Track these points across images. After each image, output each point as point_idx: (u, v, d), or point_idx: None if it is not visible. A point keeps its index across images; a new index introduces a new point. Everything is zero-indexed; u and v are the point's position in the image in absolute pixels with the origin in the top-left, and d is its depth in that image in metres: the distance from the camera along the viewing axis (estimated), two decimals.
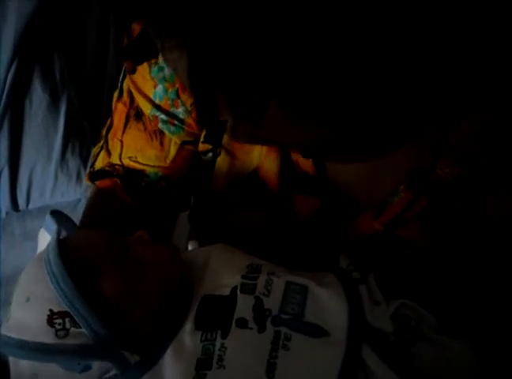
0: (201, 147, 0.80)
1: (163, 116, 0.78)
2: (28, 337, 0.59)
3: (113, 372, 0.61)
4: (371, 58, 0.45)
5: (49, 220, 0.68)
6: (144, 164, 0.82)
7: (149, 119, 0.80)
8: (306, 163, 0.74)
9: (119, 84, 0.84)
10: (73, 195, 1.26)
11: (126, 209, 0.83)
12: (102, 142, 0.87)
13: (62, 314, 0.58)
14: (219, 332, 0.61)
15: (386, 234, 0.74)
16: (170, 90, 0.77)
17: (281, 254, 0.73)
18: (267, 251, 0.73)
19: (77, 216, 0.85)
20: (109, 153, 0.84)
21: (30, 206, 1.27)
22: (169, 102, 0.78)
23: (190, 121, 0.78)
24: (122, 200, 0.83)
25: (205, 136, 0.79)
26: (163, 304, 0.64)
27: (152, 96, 0.78)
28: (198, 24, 0.48)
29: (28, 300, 0.60)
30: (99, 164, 0.86)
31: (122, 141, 0.82)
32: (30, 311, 0.60)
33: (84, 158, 1.25)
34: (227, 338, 0.61)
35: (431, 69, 0.47)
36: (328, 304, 0.63)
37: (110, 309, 0.60)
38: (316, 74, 0.46)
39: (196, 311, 0.64)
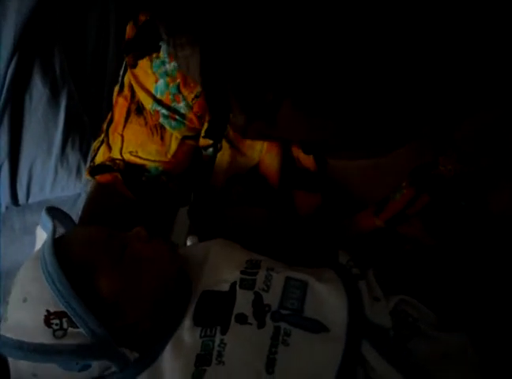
0: (202, 142, 0.80)
1: (164, 111, 0.78)
2: (26, 338, 0.59)
3: (112, 369, 0.61)
4: (378, 59, 0.46)
5: (45, 217, 0.67)
6: (144, 159, 0.81)
7: (150, 114, 0.80)
8: (307, 159, 0.74)
9: (120, 79, 0.84)
10: (73, 189, 1.26)
11: (126, 204, 0.83)
12: (102, 136, 0.87)
13: (59, 314, 0.58)
14: (218, 328, 0.61)
15: (387, 231, 0.74)
16: (171, 84, 0.77)
17: (281, 250, 0.73)
18: (267, 247, 0.73)
19: (76, 211, 0.85)
20: (110, 148, 0.84)
21: (30, 200, 1.27)
22: (170, 96, 0.77)
23: (191, 116, 0.78)
24: (122, 194, 0.83)
25: (205, 131, 0.78)
26: (162, 301, 0.63)
27: (153, 91, 0.78)
28: (212, 22, 0.47)
29: (24, 300, 0.60)
30: (99, 159, 0.86)
31: (122, 136, 0.82)
32: (27, 312, 0.60)
33: (84, 152, 1.25)
34: (226, 334, 0.60)
35: (435, 70, 0.48)
36: (327, 299, 0.63)
37: (107, 308, 0.60)
38: (326, 74, 0.46)
39: (195, 307, 0.64)
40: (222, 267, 0.68)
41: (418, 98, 0.50)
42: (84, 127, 1.27)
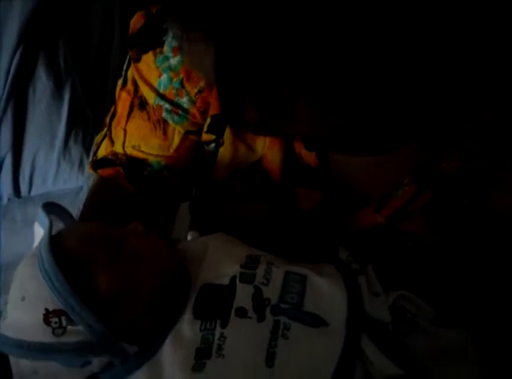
0: (205, 137, 0.80)
1: (167, 105, 0.79)
2: (25, 337, 0.59)
3: (113, 363, 0.61)
4: (387, 60, 0.47)
5: (41, 214, 0.67)
6: (147, 153, 0.82)
7: (153, 108, 0.80)
8: (309, 156, 0.75)
9: (123, 73, 0.84)
10: (76, 182, 1.26)
11: (127, 198, 0.84)
12: (105, 130, 0.87)
13: (58, 312, 0.58)
14: (218, 322, 0.61)
15: (388, 228, 0.74)
16: (174, 79, 0.77)
17: (281, 246, 0.74)
18: (267, 242, 0.73)
19: (78, 204, 0.86)
20: (112, 142, 0.85)
21: (32, 193, 1.27)
22: (173, 91, 0.78)
23: (194, 111, 0.78)
24: (124, 189, 0.83)
25: (208, 126, 0.79)
26: (161, 297, 0.64)
27: (156, 85, 0.78)
28: (228, 17, 0.47)
29: (23, 299, 0.60)
30: (101, 152, 0.86)
31: (125, 130, 0.82)
32: (26, 310, 0.60)
33: (87, 146, 1.26)
34: (226, 327, 0.61)
35: (440, 69, 0.48)
36: (327, 294, 0.64)
37: (105, 304, 0.60)
38: (340, 71, 0.47)
39: (194, 300, 0.64)
40: (222, 261, 0.68)
41: (424, 97, 0.51)
42: (88, 120, 1.27)
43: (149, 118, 0.80)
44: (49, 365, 0.59)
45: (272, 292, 0.64)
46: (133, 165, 0.83)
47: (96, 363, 0.60)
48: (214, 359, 0.59)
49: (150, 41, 0.77)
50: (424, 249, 0.74)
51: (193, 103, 0.78)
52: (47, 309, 0.58)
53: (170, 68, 0.77)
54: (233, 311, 0.62)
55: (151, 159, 0.82)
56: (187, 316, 0.63)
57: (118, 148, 0.83)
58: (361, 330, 0.61)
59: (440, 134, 0.67)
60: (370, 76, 0.47)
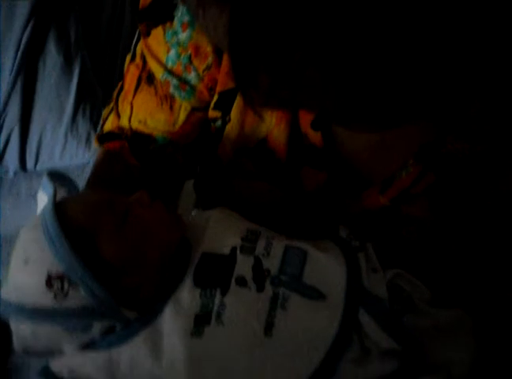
0: (211, 114, 0.80)
1: (174, 81, 0.79)
2: (27, 301, 0.59)
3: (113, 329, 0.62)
4: (388, 37, 0.46)
5: (46, 181, 0.67)
6: (152, 128, 0.82)
7: (161, 83, 0.80)
8: (314, 136, 0.75)
9: (132, 48, 0.84)
10: (82, 158, 1.27)
11: (131, 172, 0.84)
12: (112, 104, 0.87)
13: (60, 277, 0.59)
14: (218, 290, 0.62)
15: (392, 210, 0.74)
16: (183, 55, 0.77)
17: (283, 224, 0.74)
18: (269, 220, 0.73)
19: (84, 180, 0.86)
20: (118, 116, 0.85)
21: (38, 167, 1.28)
22: (181, 67, 0.78)
23: (201, 87, 0.78)
24: (128, 163, 0.84)
25: (215, 103, 0.79)
26: (164, 266, 0.64)
27: (164, 60, 0.79)
28: None
29: (25, 263, 0.60)
30: (108, 126, 0.86)
31: (132, 104, 0.83)
32: (28, 274, 0.60)
33: (95, 122, 1.26)
34: (226, 295, 0.62)
35: (442, 48, 0.48)
36: (327, 268, 0.65)
37: (108, 271, 0.61)
38: (350, 37, 0.47)
39: (195, 268, 0.65)
40: (223, 232, 0.69)
41: (428, 73, 0.50)
42: (96, 96, 1.27)
43: (156, 93, 0.80)
44: (49, 330, 0.60)
45: (272, 264, 0.65)
46: (138, 139, 0.83)
47: (97, 328, 0.61)
48: (213, 326, 0.60)
49: (160, 15, 0.77)
50: (427, 233, 0.74)
51: (200, 79, 0.78)
52: (49, 273, 0.59)
53: (178, 43, 0.77)
54: (233, 280, 0.63)
55: (156, 134, 0.82)
56: (187, 283, 0.63)
57: (124, 123, 0.83)
58: (359, 304, 0.62)
59: (446, 115, 0.67)
60: (377, 47, 0.47)
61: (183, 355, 0.59)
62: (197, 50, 0.76)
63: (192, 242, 0.68)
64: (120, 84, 0.86)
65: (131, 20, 1.31)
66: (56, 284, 0.58)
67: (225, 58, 0.75)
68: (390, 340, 0.61)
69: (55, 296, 0.58)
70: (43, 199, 0.67)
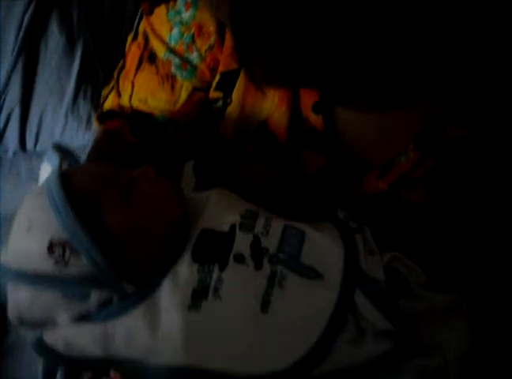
0: (212, 94, 0.80)
1: (176, 60, 0.79)
2: (27, 266, 0.60)
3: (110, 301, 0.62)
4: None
5: (51, 152, 0.68)
6: (153, 107, 0.82)
7: (162, 62, 0.80)
8: (316, 119, 0.75)
9: (135, 27, 0.84)
10: (82, 140, 1.27)
11: (131, 151, 0.84)
12: (112, 83, 0.87)
13: (63, 244, 0.59)
14: (216, 265, 0.63)
15: (391, 195, 0.74)
16: (186, 34, 0.77)
17: (282, 206, 0.74)
18: (268, 202, 0.73)
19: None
20: (119, 94, 0.85)
21: (38, 148, 1.28)
22: (184, 46, 0.78)
23: (202, 67, 0.78)
24: (128, 142, 0.83)
25: (217, 84, 0.79)
26: (166, 240, 0.64)
27: (167, 39, 0.78)
28: None
29: (28, 229, 0.60)
30: (108, 105, 0.86)
31: (133, 83, 0.82)
32: (30, 240, 0.60)
33: (96, 104, 1.26)
34: (224, 271, 0.62)
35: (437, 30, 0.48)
36: (324, 248, 0.65)
37: (111, 241, 0.61)
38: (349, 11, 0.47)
39: (194, 244, 0.65)
40: (222, 211, 0.69)
41: (425, 52, 0.50)
42: (98, 79, 1.27)
43: (158, 72, 0.80)
44: (47, 297, 0.60)
45: (270, 242, 0.65)
46: (138, 118, 0.82)
47: (94, 299, 0.61)
48: (211, 300, 0.60)
49: None
50: (424, 219, 0.74)
51: (202, 59, 0.78)
52: (51, 240, 0.59)
53: (181, 22, 0.77)
54: (231, 256, 0.63)
55: (157, 113, 0.82)
56: (186, 259, 0.64)
57: (125, 101, 0.83)
58: (355, 285, 0.63)
59: (445, 98, 0.67)
60: (375, 21, 0.47)
61: (180, 328, 0.59)
62: (200, 29, 0.76)
63: (191, 218, 0.68)
64: (121, 62, 0.86)
65: (134, 3, 1.31)
66: (58, 251, 0.59)
67: (228, 39, 0.75)
68: (386, 322, 0.62)
69: (56, 263, 0.59)
70: (47, 170, 0.67)
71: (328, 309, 0.61)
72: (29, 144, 1.27)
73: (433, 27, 0.48)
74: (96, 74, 1.28)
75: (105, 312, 0.62)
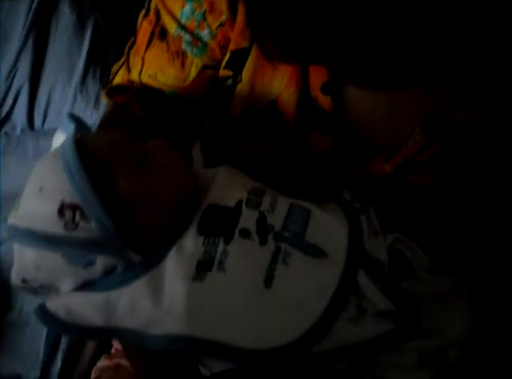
0: (222, 72, 0.80)
1: (187, 36, 0.78)
2: (36, 227, 0.60)
3: (115, 270, 0.63)
4: None
5: (66, 120, 0.68)
6: (162, 83, 0.82)
7: (173, 39, 0.80)
8: (324, 100, 0.75)
9: (146, 3, 0.84)
10: (90, 119, 1.27)
11: (139, 125, 0.84)
12: (123, 59, 0.87)
13: (74, 207, 0.59)
14: (222, 239, 0.63)
15: (396, 178, 0.74)
16: (197, 11, 0.77)
17: (288, 186, 0.74)
18: (274, 182, 0.73)
19: None
20: (129, 70, 0.85)
21: (46, 126, 1.28)
22: (195, 23, 0.78)
23: (213, 44, 0.78)
24: (137, 116, 0.83)
25: (227, 62, 0.79)
26: (176, 212, 0.65)
27: (178, 16, 0.78)
28: None
29: (40, 190, 0.60)
30: (117, 80, 0.86)
31: (143, 59, 0.82)
32: (41, 201, 0.60)
33: (104, 84, 1.25)
34: (229, 244, 0.62)
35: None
36: (329, 227, 0.65)
37: (121, 208, 0.61)
38: None
39: (200, 217, 0.65)
40: (229, 186, 0.69)
41: (430, 33, 0.51)
42: (107, 59, 1.27)
43: (168, 49, 0.80)
44: (53, 260, 0.60)
45: (276, 220, 0.65)
46: (147, 94, 0.82)
47: (99, 266, 0.62)
48: (215, 272, 0.61)
49: None
50: (429, 203, 0.74)
51: (213, 36, 0.77)
52: (63, 202, 0.59)
53: None
54: (237, 231, 0.63)
55: (166, 89, 0.82)
56: (191, 231, 0.64)
57: (135, 77, 0.83)
58: (358, 265, 0.63)
59: (454, 82, 0.67)
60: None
61: (183, 297, 0.59)
62: (211, 6, 0.76)
63: (199, 192, 0.68)
64: (132, 38, 0.86)
65: None
66: (68, 214, 0.59)
67: (239, 17, 0.75)
68: (388, 302, 0.62)
69: (65, 225, 0.59)
70: (60, 138, 0.67)
71: (331, 287, 0.61)
72: (37, 122, 1.27)
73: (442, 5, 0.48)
74: (106, 55, 1.28)
75: (109, 280, 0.62)
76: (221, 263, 0.61)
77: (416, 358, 0.63)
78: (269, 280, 0.61)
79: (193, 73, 0.81)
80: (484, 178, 0.71)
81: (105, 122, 0.84)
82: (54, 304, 0.63)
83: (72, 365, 1.01)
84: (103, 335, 0.65)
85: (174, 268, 0.61)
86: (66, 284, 0.62)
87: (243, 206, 0.66)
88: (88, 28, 1.24)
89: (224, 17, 0.76)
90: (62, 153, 0.61)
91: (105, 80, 1.25)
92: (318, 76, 0.74)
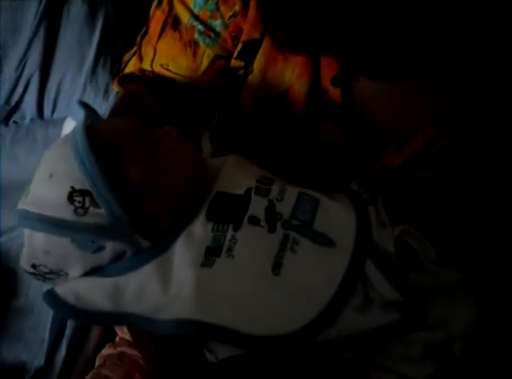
0: (234, 63, 0.80)
1: (200, 26, 0.79)
2: (46, 212, 0.60)
3: (124, 256, 0.63)
4: None
5: (77, 107, 0.68)
6: (174, 73, 0.82)
7: (186, 28, 0.80)
8: (334, 92, 0.75)
9: None
10: (100, 109, 1.26)
11: (150, 113, 0.84)
12: (135, 48, 0.87)
13: (83, 192, 0.59)
14: (231, 226, 0.63)
15: (405, 171, 0.74)
16: (210, 1, 0.77)
17: (296, 177, 0.74)
18: (282, 172, 0.74)
19: None
20: (141, 59, 0.85)
21: (55, 115, 1.28)
22: (208, 13, 0.78)
23: (225, 35, 0.79)
24: (148, 104, 0.84)
25: (238, 53, 0.79)
26: (185, 199, 0.65)
27: (191, 5, 0.79)
28: None
29: (50, 176, 0.61)
30: (129, 69, 0.86)
31: (155, 48, 0.83)
32: (51, 187, 0.61)
33: (114, 74, 1.25)
34: (238, 231, 0.63)
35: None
36: (337, 217, 0.66)
37: (131, 194, 0.61)
38: None
39: (209, 205, 0.66)
40: (238, 174, 0.70)
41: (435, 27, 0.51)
42: (118, 49, 1.27)
43: (181, 38, 0.81)
44: (62, 245, 0.61)
45: (284, 208, 0.65)
46: (159, 83, 0.83)
47: (108, 252, 0.62)
48: (224, 258, 0.61)
49: None
50: (437, 196, 0.74)
51: (226, 26, 0.78)
52: (73, 188, 0.59)
53: None
54: (246, 218, 0.64)
55: (177, 78, 0.82)
56: (201, 218, 0.64)
57: (146, 66, 0.84)
58: (366, 255, 0.63)
59: (461, 78, 0.67)
60: None
61: (192, 282, 0.60)
62: None
63: (207, 181, 0.68)
64: (144, 28, 0.86)
65: None
66: (78, 200, 0.59)
67: (252, 7, 0.75)
68: (395, 293, 0.62)
69: (75, 211, 0.59)
70: (70, 126, 0.67)
71: (338, 276, 0.62)
72: (46, 111, 1.27)
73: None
74: (117, 45, 1.28)
75: (118, 266, 0.63)
76: (230, 249, 0.61)
77: (422, 350, 0.63)
78: (277, 267, 0.61)
79: (205, 62, 0.81)
80: (491, 172, 0.71)
81: (116, 110, 0.84)
82: (62, 289, 0.64)
83: (76, 353, 1.02)
84: (111, 321, 0.65)
85: (182, 254, 0.62)
86: (75, 270, 0.62)
87: (252, 194, 0.66)
88: (99, 19, 1.24)
89: (236, 8, 0.76)
90: (73, 139, 0.62)
91: (115, 71, 1.25)
92: (329, 69, 0.74)
